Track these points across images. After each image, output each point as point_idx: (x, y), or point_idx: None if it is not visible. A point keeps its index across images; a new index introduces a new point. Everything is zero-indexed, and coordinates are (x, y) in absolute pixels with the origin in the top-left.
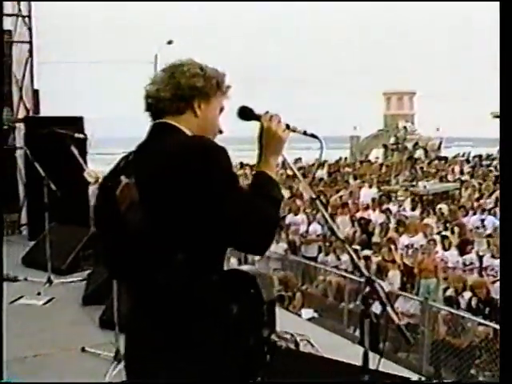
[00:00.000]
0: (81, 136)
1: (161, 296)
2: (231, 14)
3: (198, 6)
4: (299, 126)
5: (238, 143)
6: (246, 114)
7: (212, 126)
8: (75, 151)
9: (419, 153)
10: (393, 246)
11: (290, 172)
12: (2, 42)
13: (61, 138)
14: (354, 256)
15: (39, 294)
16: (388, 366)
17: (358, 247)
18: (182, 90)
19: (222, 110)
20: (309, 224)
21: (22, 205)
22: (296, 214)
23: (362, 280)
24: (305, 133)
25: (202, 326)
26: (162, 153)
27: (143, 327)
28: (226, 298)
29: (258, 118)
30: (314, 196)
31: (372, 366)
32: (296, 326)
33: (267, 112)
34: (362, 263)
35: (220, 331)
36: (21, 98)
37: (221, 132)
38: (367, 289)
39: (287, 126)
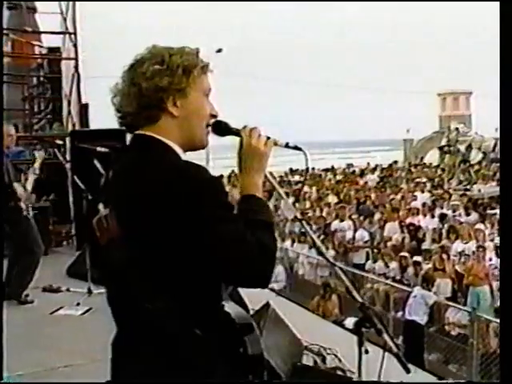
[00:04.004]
0: (103, 150)
1: (141, 340)
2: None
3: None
4: (354, 130)
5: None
6: (221, 129)
7: (198, 119)
8: (98, 164)
9: (474, 155)
10: (445, 255)
11: (339, 177)
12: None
13: (84, 152)
14: (347, 281)
15: (78, 304)
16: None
17: (406, 254)
18: (147, 97)
19: (209, 91)
20: (355, 230)
21: (73, 216)
22: (342, 221)
23: (409, 289)
24: (287, 145)
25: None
26: (145, 180)
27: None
28: (208, 356)
29: (236, 132)
30: (298, 216)
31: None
32: (331, 337)
33: (245, 126)
34: (354, 290)
35: None
36: (69, 112)
37: (215, 116)
38: (360, 316)
39: (268, 139)
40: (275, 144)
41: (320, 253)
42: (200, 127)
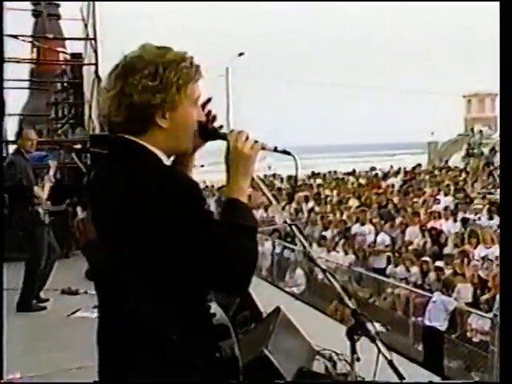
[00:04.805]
0: None
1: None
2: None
3: (267, 17)
4: (378, 133)
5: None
6: (208, 133)
7: (186, 129)
8: None
9: (499, 158)
10: (465, 259)
11: (362, 181)
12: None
13: (98, 156)
14: (338, 287)
15: (95, 307)
16: None
17: (428, 259)
18: (136, 110)
19: (198, 99)
20: (376, 234)
21: None
22: (363, 224)
23: (429, 295)
24: (275, 149)
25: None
26: (125, 186)
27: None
28: (183, 363)
29: (222, 136)
30: (288, 221)
31: None
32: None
33: (232, 130)
34: (347, 297)
35: None
36: (90, 117)
37: (201, 122)
38: (353, 322)
39: (255, 143)
40: (263, 148)
41: (310, 258)
42: (186, 137)
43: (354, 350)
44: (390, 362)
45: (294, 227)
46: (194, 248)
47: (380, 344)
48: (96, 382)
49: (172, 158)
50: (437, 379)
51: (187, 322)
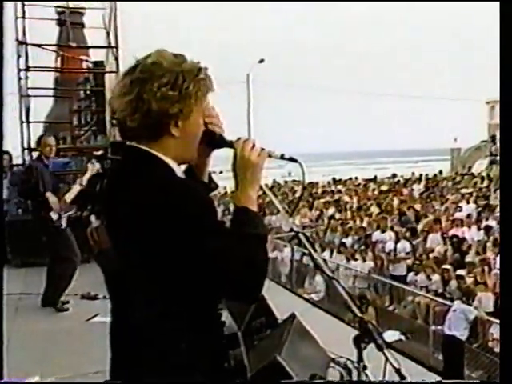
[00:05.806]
0: None
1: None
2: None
3: (288, 23)
4: (398, 139)
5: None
6: (215, 141)
7: (195, 138)
8: None
9: None
10: (486, 268)
11: (384, 187)
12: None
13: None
14: (345, 295)
15: None
16: None
17: (449, 267)
18: (152, 118)
19: (205, 107)
20: (397, 241)
21: None
22: (383, 231)
23: (450, 303)
24: (282, 157)
25: None
26: (136, 193)
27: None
28: (189, 367)
29: (230, 144)
30: (295, 229)
31: None
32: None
33: (239, 138)
34: (353, 304)
35: None
36: (112, 124)
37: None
38: (360, 331)
39: (261, 151)
40: (269, 156)
41: (316, 265)
42: (193, 145)
43: (360, 358)
44: (398, 371)
45: (300, 235)
46: (202, 256)
47: (387, 353)
48: (106, 381)
49: (183, 166)
50: None
51: (195, 327)
